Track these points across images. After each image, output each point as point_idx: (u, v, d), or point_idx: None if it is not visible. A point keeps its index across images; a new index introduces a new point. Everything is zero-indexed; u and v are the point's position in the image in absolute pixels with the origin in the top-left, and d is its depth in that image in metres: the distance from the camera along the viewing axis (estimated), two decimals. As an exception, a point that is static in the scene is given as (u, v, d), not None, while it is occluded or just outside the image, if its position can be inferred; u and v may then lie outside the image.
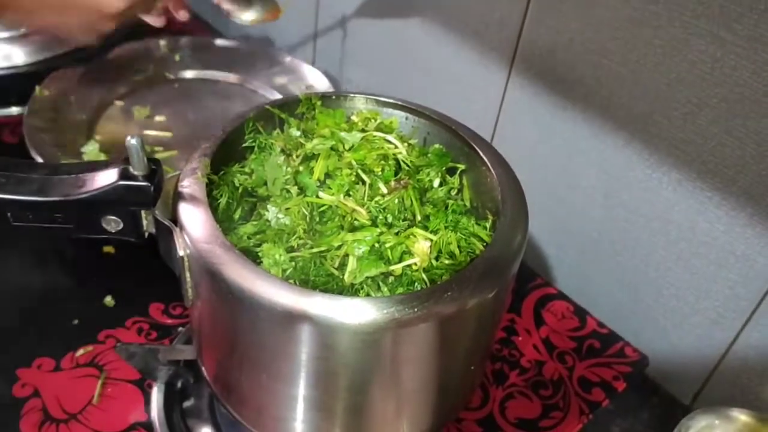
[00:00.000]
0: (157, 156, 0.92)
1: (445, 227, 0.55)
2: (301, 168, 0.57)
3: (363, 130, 0.60)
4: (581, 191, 0.83)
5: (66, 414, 0.69)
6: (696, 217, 0.72)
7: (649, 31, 0.69)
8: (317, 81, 1.08)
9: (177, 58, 1.13)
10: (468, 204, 0.60)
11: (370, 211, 0.54)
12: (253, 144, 0.60)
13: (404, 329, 0.47)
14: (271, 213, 0.55)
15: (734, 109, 0.65)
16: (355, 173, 0.56)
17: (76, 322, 0.78)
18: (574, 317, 0.86)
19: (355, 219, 0.54)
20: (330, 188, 0.55)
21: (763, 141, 0.64)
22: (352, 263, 0.51)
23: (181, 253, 0.50)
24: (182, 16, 0.81)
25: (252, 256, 0.50)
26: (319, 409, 0.53)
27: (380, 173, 0.57)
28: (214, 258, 0.47)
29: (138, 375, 0.72)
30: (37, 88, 0.98)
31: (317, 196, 0.55)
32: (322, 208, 0.55)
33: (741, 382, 0.75)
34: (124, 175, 0.49)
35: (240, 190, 0.57)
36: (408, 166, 0.59)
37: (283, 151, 0.59)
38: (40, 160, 0.87)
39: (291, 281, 0.49)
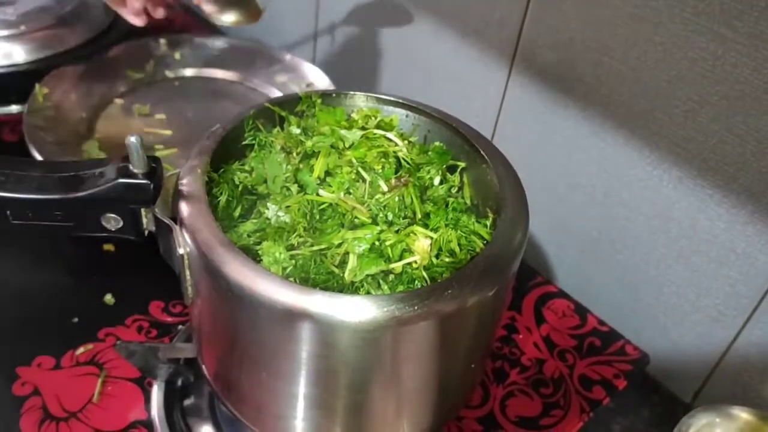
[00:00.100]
0: (157, 154, 0.92)
1: (446, 225, 0.55)
2: (301, 166, 0.57)
3: (363, 128, 0.60)
4: (582, 189, 0.83)
5: (66, 412, 0.69)
6: (697, 214, 0.72)
7: (649, 28, 0.68)
8: (317, 79, 1.08)
9: (177, 56, 1.12)
10: (468, 202, 0.60)
11: (370, 209, 0.54)
12: (253, 142, 0.60)
13: (404, 327, 0.46)
14: (271, 211, 0.55)
15: (735, 107, 0.65)
16: (355, 171, 0.56)
17: (75, 320, 0.78)
18: (575, 315, 0.86)
19: (356, 217, 0.54)
20: (330, 186, 0.55)
21: (764, 138, 0.64)
22: (352, 261, 0.51)
23: (180, 251, 0.50)
24: (159, 14, 0.80)
25: (252, 255, 0.50)
26: (319, 407, 0.53)
27: (380, 171, 0.57)
28: (214, 256, 0.47)
29: (138, 373, 0.72)
30: (37, 86, 0.98)
31: (317, 194, 0.55)
32: (322, 206, 0.55)
33: (742, 380, 0.75)
34: (124, 173, 0.49)
35: (240, 188, 0.57)
36: (408, 163, 0.59)
37: (283, 148, 0.59)
38: (39, 158, 0.87)
39: (291, 279, 0.49)
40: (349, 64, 1.13)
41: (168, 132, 0.98)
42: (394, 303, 0.45)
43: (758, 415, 0.67)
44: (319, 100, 0.63)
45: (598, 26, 0.73)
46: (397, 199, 0.55)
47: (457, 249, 0.53)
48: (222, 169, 0.58)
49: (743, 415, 0.68)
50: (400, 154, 0.59)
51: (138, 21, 0.79)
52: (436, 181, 0.59)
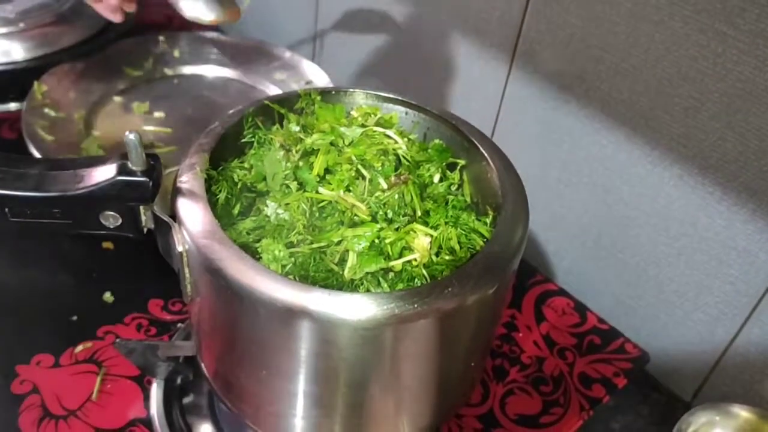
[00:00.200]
0: (156, 152, 0.92)
1: (446, 223, 0.55)
2: (300, 163, 0.57)
3: (363, 126, 0.60)
4: (582, 187, 0.83)
5: (65, 410, 0.69)
6: (697, 212, 0.72)
7: (650, 26, 0.68)
8: (317, 76, 1.08)
9: (176, 54, 1.12)
10: (468, 199, 0.60)
11: (370, 207, 0.54)
12: (253, 139, 0.60)
13: (404, 325, 0.46)
14: (271, 208, 0.54)
15: (736, 105, 0.65)
16: (355, 168, 0.56)
17: (74, 318, 0.77)
18: (575, 313, 0.86)
19: (355, 214, 0.54)
20: (330, 183, 0.55)
21: (765, 136, 0.64)
22: (352, 259, 0.51)
23: (179, 248, 0.50)
24: (128, 7, 0.79)
25: (251, 252, 0.50)
26: (319, 405, 0.53)
27: (380, 168, 0.56)
28: (213, 254, 0.47)
29: (137, 371, 0.72)
30: (36, 83, 0.97)
31: (317, 192, 0.55)
32: (321, 204, 0.55)
33: (742, 378, 0.75)
34: (123, 170, 0.49)
35: (239, 186, 0.57)
36: (408, 161, 0.58)
37: (282, 146, 0.58)
38: (38, 155, 0.87)
39: (290, 277, 0.49)
40: (349, 61, 1.13)
41: (167, 130, 0.98)
42: (394, 301, 0.45)
43: (758, 414, 0.67)
44: (318, 98, 0.63)
45: (599, 23, 0.73)
46: (396, 196, 0.55)
47: (457, 247, 0.53)
48: (221, 167, 0.57)
49: (743, 413, 0.68)
50: (399, 152, 0.58)
51: (115, 17, 0.78)
52: (436, 178, 0.59)
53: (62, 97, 0.99)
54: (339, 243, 0.52)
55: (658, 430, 0.76)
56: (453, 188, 0.60)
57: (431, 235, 0.53)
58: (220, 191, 0.55)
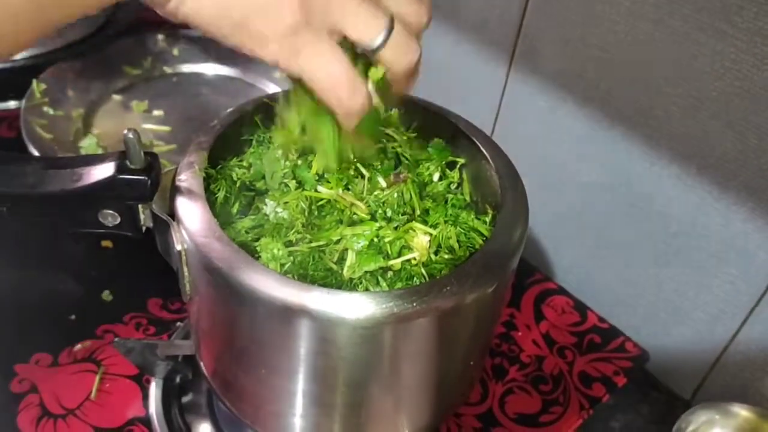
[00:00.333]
0: (155, 150, 0.92)
1: (445, 222, 0.55)
2: (299, 162, 0.57)
3: None
4: (581, 185, 0.83)
5: (64, 409, 0.69)
6: (696, 211, 0.72)
7: (649, 24, 0.68)
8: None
9: (175, 52, 1.12)
10: (468, 198, 0.60)
11: (369, 206, 0.54)
12: (251, 138, 0.60)
13: (403, 324, 0.46)
14: (269, 207, 0.54)
15: (735, 103, 0.65)
16: (353, 167, 0.56)
17: (73, 317, 0.77)
18: (574, 312, 0.86)
19: (354, 213, 0.54)
20: (329, 182, 0.55)
21: (764, 135, 0.64)
22: (351, 258, 0.51)
23: (178, 247, 0.50)
24: None
25: (250, 251, 0.50)
26: (318, 404, 0.53)
27: (379, 167, 0.56)
28: (212, 252, 0.47)
29: (136, 370, 0.72)
30: (35, 81, 0.97)
31: (316, 190, 0.55)
32: (320, 202, 0.54)
33: (742, 377, 0.75)
34: (121, 168, 0.48)
35: (238, 184, 0.57)
36: (407, 160, 0.58)
37: (281, 145, 0.58)
38: (37, 154, 0.87)
39: (289, 276, 0.49)
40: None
41: (166, 128, 0.98)
42: (393, 300, 0.45)
43: (758, 413, 0.67)
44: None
45: (598, 22, 0.73)
46: (395, 195, 0.54)
47: (456, 245, 0.53)
48: (220, 165, 0.57)
49: (743, 412, 0.68)
50: (399, 150, 0.58)
51: None
52: (436, 177, 0.59)
53: (61, 95, 0.99)
54: (338, 242, 0.52)
55: (658, 429, 0.76)
56: (452, 187, 0.60)
57: (430, 234, 0.53)
58: (219, 190, 0.55)
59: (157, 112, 1.01)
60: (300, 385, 0.51)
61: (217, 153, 0.56)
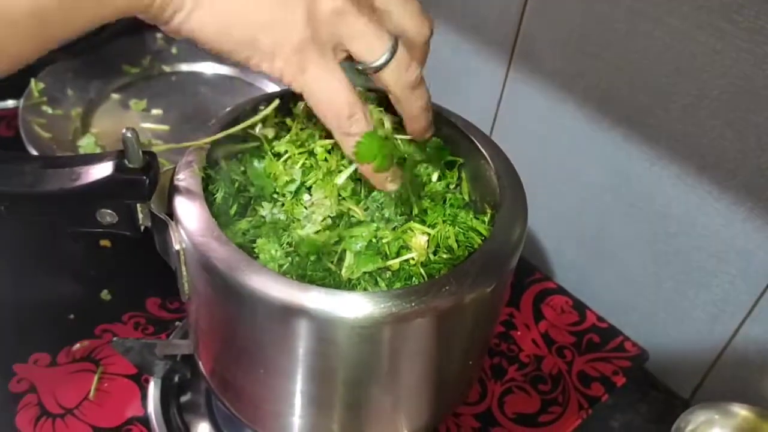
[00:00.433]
0: (154, 149, 0.92)
1: (443, 221, 0.54)
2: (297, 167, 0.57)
3: None
4: (580, 185, 0.83)
5: (62, 409, 0.69)
6: (695, 211, 0.72)
7: (648, 23, 0.68)
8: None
9: (174, 51, 1.12)
10: (466, 198, 0.60)
11: (367, 207, 0.54)
12: (246, 146, 0.59)
13: (401, 324, 0.46)
14: (266, 209, 0.54)
15: (734, 102, 0.65)
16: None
17: (72, 316, 0.77)
18: (574, 311, 0.86)
19: (352, 215, 0.54)
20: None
21: (764, 134, 0.64)
22: (349, 258, 0.51)
23: (176, 246, 0.50)
24: None
25: (248, 253, 0.50)
26: (316, 404, 0.53)
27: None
28: (210, 252, 0.47)
29: (134, 370, 0.72)
30: (33, 81, 0.97)
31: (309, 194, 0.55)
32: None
33: (741, 376, 0.75)
34: (119, 167, 0.48)
35: (236, 185, 0.57)
36: (405, 159, 0.58)
37: (272, 153, 0.58)
38: (35, 153, 0.86)
39: (288, 276, 0.49)
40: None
41: (165, 127, 0.98)
42: (391, 300, 0.45)
43: (757, 412, 0.67)
44: None
45: (597, 21, 0.73)
46: (394, 195, 0.54)
47: (454, 245, 0.53)
48: (218, 165, 0.57)
49: (742, 411, 0.68)
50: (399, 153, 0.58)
51: None
52: (434, 177, 0.59)
53: (60, 94, 0.99)
54: (336, 243, 0.51)
55: (657, 429, 0.76)
56: (451, 186, 0.60)
57: (429, 234, 0.53)
58: (218, 190, 0.55)
59: (155, 111, 1.01)
60: (298, 384, 0.51)
61: (215, 152, 0.56)
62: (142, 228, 0.52)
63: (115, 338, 0.66)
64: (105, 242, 0.86)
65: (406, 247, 0.52)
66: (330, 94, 0.48)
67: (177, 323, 0.78)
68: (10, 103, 1.03)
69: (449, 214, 0.55)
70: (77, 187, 0.48)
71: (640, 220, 0.78)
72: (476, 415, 0.74)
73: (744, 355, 0.74)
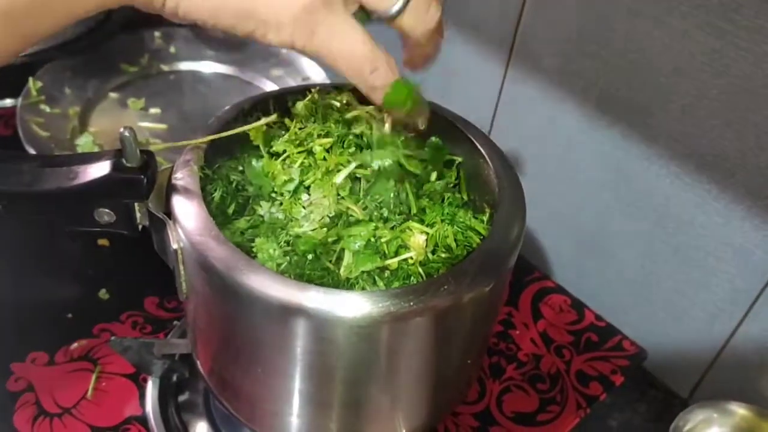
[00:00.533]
0: (152, 148, 0.91)
1: (442, 220, 0.54)
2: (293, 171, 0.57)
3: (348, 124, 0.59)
4: (579, 184, 0.83)
5: (60, 408, 0.69)
6: (694, 210, 0.72)
7: (647, 22, 0.68)
8: (314, 73, 1.08)
9: (172, 49, 1.12)
10: (465, 197, 0.60)
11: (365, 206, 0.54)
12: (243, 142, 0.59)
13: (400, 323, 0.46)
14: (264, 208, 0.54)
15: (733, 101, 0.64)
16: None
17: (70, 316, 0.77)
18: (572, 310, 0.86)
19: (350, 215, 0.53)
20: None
21: (763, 134, 0.64)
22: (347, 258, 0.51)
23: (174, 246, 0.50)
24: None
25: (246, 252, 0.50)
26: (315, 403, 0.53)
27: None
28: (208, 251, 0.47)
29: (132, 369, 0.72)
30: (31, 79, 0.97)
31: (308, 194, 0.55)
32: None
33: (739, 375, 0.75)
34: (117, 166, 0.48)
35: (234, 184, 0.57)
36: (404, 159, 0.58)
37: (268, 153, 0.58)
38: (33, 152, 0.86)
39: (286, 275, 0.49)
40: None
41: (163, 126, 0.98)
42: (390, 299, 0.45)
43: (755, 411, 0.67)
44: (316, 95, 0.62)
45: (596, 20, 0.73)
46: (392, 195, 0.54)
47: (453, 244, 0.53)
48: (216, 165, 0.57)
49: (740, 410, 0.68)
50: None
51: None
52: (433, 176, 0.59)
53: (57, 93, 0.99)
54: (335, 242, 0.51)
55: (656, 428, 0.76)
56: (450, 186, 0.60)
57: (427, 233, 0.53)
58: (216, 190, 0.55)
59: (153, 110, 1.01)
60: (297, 384, 0.51)
61: (213, 151, 0.56)
62: (140, 227, 0.52)
63: (113, 337, 0.66)
64: (103, 241, 0.86)
65: (405, 247, 0.52)
66: (347, 52, 0.45)
67: (175, 322, 0.78)
68: (8, 101, 1.03)
69: (448, 214, 0.55)
70: (75, 186, 0.48)
71: (638, 219, 0.78)
72: (475, 414, 0.74)
73: (743, 354, 0.74)
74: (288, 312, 0.45)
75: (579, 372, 0.78)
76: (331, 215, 0.53)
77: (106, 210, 0.50)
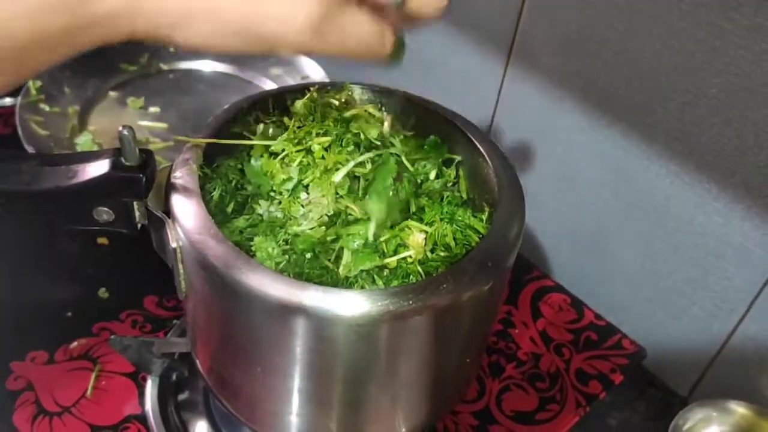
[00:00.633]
0: (152, 147, 0.92)
1: (441, 219, 0.54)
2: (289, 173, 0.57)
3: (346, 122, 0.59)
4: (578, 183, 0.83)
5: (59, 407, 0.69)
6: (694, 209, 0.72)
7: (647, 20, 0.68)
8: (313, 72, 1.08)
9: (171, 49, 1.12)
10: (464, 195, 0.60)
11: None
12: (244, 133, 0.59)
13: (399, 322, 0.46)
14: (263, 207, 0.54)
15: (733, 100, 0.64)
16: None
17: (69, 314, 0.77)
18: (571, 309, 0.86)
19: (349, 213, 0.53)
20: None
21: (762, 132, 0.64)
22: (346, 257, 0.51)
23: (173, 244, 0.50)
24: None
25: (245, 251, 0.50)
26: (314, 402, 0.53)
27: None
28: (207, 250, 0.47)
29: (132, 368, 0.72)
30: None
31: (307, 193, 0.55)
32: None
33: (739, 374, 0.75)
34: (116, 165, 0.48)
35: (233, 183, 0.57)
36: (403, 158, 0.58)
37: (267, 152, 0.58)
38: (32, 151, 0.86)
39: (285, 274, 0.49)
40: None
41: (162, 125, 0.98)
42: (389, 297, 0.45)
43: (755, 410, 0.67)
44: (315, 94, 0.62)
45: (595, 18, 0.73)
46: (391, 193, 0.54)
47: (452, 243, 0.53)
48: (216, 164, 0.57)
49: (740, 409, 0.68)
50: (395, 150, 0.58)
51: None
52: (432, 174, 0.59)
53: (57, 92, 0.99)
54: (334, 241, 0.51)
55: (655, 426, 0.76)
56: (449, 184, 0.60)
57: (426, 232, 0.53)
58: (215, 189, 0.55)
59: (153, 109, 1.01)
60: (296, 383, 0.51)
61: (213, 150, 0.56)
62: (139, 226, 0.52)
63: (112, 336, 0.66)
64: (102, 240, 0.86)
65: (404, 245, 0.52)
66: (358, 42, 0.45)
67: (174, 321, 0.78)
68: (7, 100, 1.03)
69: (447, 212, 0.55)
70: (74, 185, 0.48)
71: (638, 218, 0.78)
72: (474, 412, 0.74)
73: (742, 353, 0.74)
74: (287, 311, 0.45)
75: (578, 371, 0.79)
76: (329, 214, 0.52)
77: (105, 209, 0.50)
